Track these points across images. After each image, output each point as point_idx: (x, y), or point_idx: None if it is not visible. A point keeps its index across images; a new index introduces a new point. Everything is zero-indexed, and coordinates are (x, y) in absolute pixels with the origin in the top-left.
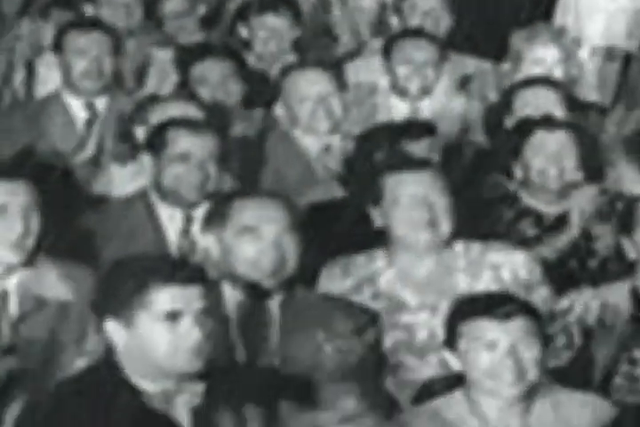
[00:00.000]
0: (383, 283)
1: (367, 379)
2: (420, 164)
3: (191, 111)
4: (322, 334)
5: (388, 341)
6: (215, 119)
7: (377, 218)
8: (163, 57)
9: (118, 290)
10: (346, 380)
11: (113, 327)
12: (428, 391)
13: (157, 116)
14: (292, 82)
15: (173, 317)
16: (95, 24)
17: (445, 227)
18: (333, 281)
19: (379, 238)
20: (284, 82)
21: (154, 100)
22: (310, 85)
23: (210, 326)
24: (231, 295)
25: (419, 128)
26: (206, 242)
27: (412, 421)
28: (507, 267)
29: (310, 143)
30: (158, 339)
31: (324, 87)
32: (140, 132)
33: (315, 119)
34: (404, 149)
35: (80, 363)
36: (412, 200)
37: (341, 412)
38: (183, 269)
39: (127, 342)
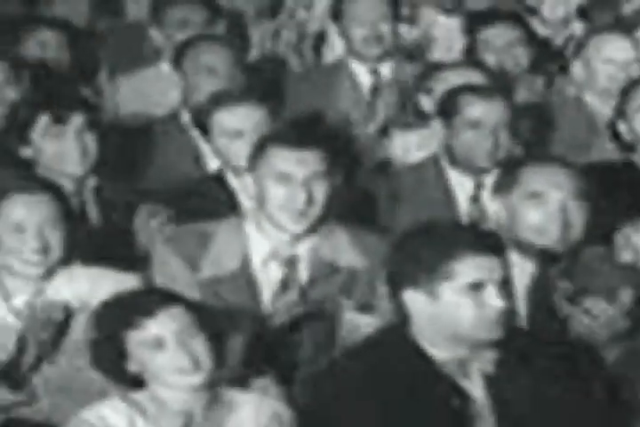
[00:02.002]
0: None
1: None
2: None
3: (475, 78)
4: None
5: None
6: (501, 85)
7: None
8: (448, 23)
9: (419, 259)
10: None
11: (411, 296)
12: None
13: (441, 84)
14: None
15: (477, 287)
16: None
17: None
18: None
19: None
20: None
21: (437, 67)
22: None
23: (510, 294)
24: (518, 262)
25: None
26: (495, 209)
27: None
28: None
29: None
30: (462, 309)
31: None
32: (425, 100)
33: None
34: None
35: (365, 329)
36: None
37: None
38: (485, 239)
39: (427, 311)
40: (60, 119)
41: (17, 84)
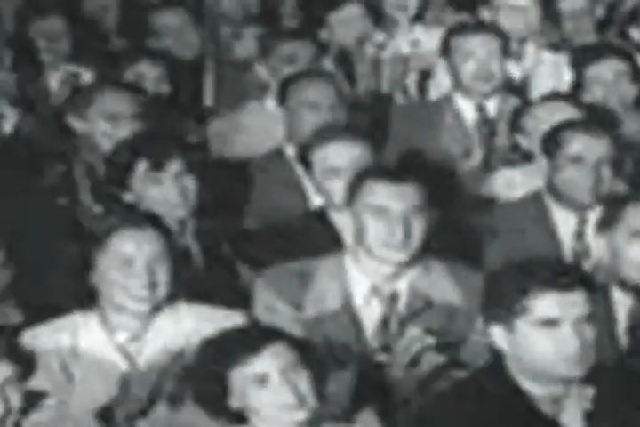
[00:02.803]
0: None
1: None
2: None
3: (568, 113)
4: None
5: None
6: (605, 120)
7: None
8: (554, 58)
9: (501, 294)
10: None
11: (497, 332)
12: None
13: (533, 120)
14: None
15: (553, 324)
16: (483, 26)
17: None
18: None
19: None
20: None
21: (532, 103)
22: None
23: (591, 332)
24: (621, 300)
25: None
26: (599, 245)
27: None
28: None
29: None
30: (537, 346)
31: None
32: (520, 137)
33: None
34: None
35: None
36: None
37: None
38: (565, 275)
39: (510, 346)
40: (158, 166)
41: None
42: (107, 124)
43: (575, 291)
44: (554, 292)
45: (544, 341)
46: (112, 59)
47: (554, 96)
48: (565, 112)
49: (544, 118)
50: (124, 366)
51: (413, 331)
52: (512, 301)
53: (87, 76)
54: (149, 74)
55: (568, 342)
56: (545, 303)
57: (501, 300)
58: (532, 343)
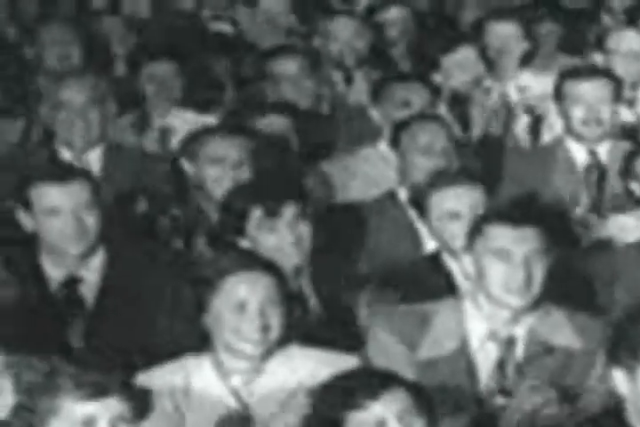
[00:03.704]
0: None
1: None
2: None
3: None
4: None
5: None
6: None
7: None
8: None
9: (626, 339)
10: None
11: (618, 376)
12: None
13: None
14: None
15: None
16: (596, 71)
17: None
18: None
19: None
20: None
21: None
22: None
23: None
24: None
25: None
26: None
27: None
28: None
29: None
30: None
31: None
32: (633, 182)
33: None
34: None
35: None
36: None
37: None
38: None
39: (631, 391)
40: (272, 212)
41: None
42: (213, 168)
43: None
44: None
45: None
46: (235, 107)
47: None
48: None
49: None
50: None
51: (534, 381)
52: (635, 346)
53: (201, 122)
54: (279, 123)
55: None
56: None
57: (625, 344)
58: None
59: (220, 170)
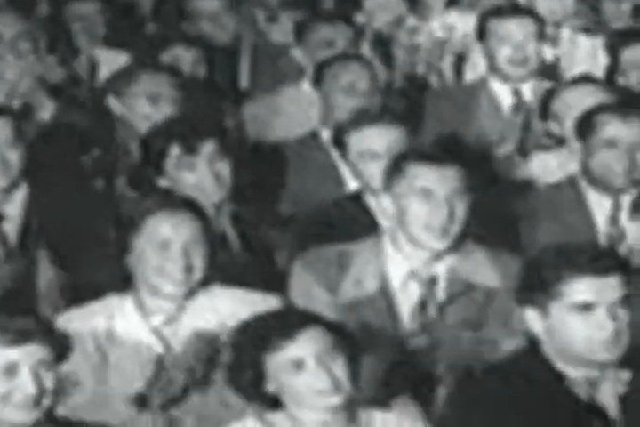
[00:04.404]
0: None
1: None
2: None
3: (601, 97)
4: None
5: None
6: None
7: None
8: (589, 42)
9: (537, 279)
10: None
11: (532, 315)
12: None
13: (562, 103)
14: None
15: (587, 308)
16: (519, 10)
17: None
18: None
19: None
20: None
21: (560, 88)
22: None
23: (626, 316)
24: None
25: None
26: (634, 229)
27: None
28: None
29: None
30: (572, 329)
31: None
32: (551, 122)
33: None
34: None
35: (506, 347)
36: None
37: None
38: (600, 259)
39: (545, 330)
40: (191, 149)
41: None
42: (146, 104)
43: (610, 275)
44: (589, 276)
45: (579, 325)
46: (147, 43)
47: (582, 80)
48: (596, 96)
49: (574, 103)
50: (159, 349)
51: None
52: (548, 285)
53: (123, 60)
54: (185, 57)
55: (603, 326)
56: (580, 288)
57: (537, 284)
58: (566, 327)
59: (150, 106)
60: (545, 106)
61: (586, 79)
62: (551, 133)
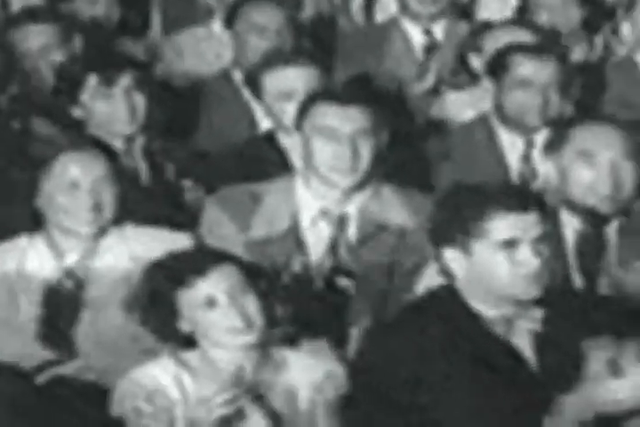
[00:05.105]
0: None
1: None
2: None
3: (525, 37)
4: None
5: None
6: (553, 44)
7: None
8: None
9: (455, 218)
10: None
11: (451, 255)
12: None
13: (491, 43)
14: None
15: (510, 245)
16: None
17: None
18: None
19: None
20: None
21: (487, 26)
22: None
23: (547, 252)
24: (569, 222)
25: None
26: (546, 168)
27: None
28: None
29: None
30: (496, 267)
31: None
32: (475, 60)
33: None
34: None
35: (419, 288)
36: None
37: None
38: (520, 197)
39: (465, 269)
40: (108, 80)
41: (67, 45)
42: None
43: (531, 212)
44: (511, 213)
45: (503, 262)
46: None
47: (516, 21)
48: (523, 36)
49: (503, 41)
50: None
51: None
52: (469, 224)
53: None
54: None
55: (527, 262)
56: (503, 225)
57: (456, 223)
58: (490, 265)
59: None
60: (473, 40)
61: (527, 22)
62: (462, 72)
